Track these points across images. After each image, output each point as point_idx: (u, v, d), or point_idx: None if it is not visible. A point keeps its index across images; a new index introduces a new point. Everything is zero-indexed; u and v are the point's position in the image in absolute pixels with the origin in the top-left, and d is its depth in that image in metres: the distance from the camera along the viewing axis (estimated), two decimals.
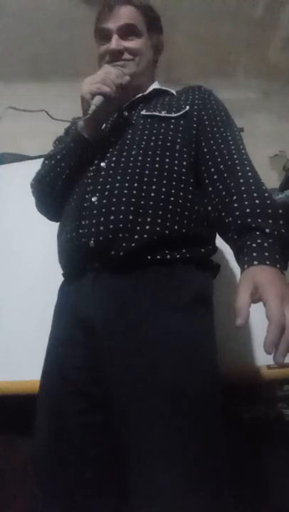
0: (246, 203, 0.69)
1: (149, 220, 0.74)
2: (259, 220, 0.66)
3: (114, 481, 0.66)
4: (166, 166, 0.80)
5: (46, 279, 1.18)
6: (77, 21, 1.88)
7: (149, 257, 0.73)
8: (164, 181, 0.78)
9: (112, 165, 0.82)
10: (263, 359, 1.03)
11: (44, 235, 1.28)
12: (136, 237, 0.73)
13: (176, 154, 0.83)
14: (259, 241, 0.64)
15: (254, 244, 0.64)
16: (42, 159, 0.98)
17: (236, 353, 1.02)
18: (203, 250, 0.79)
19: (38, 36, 1.99)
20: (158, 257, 0.73)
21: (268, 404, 1.13)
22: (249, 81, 2.25)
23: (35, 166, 0.98)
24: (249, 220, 0.67)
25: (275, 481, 1.02)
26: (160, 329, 0.67)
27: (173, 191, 0.78)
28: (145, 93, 0.96)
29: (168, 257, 0.73)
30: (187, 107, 0.90)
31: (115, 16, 0.93)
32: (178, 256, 0.74)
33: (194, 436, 0.60)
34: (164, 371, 0.63)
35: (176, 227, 0.75)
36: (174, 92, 0.97)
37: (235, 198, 0.71)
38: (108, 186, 0.78)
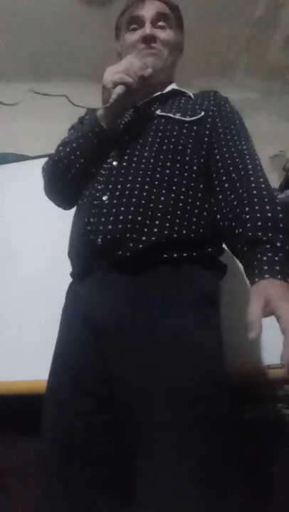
0: (258, 215, 0.69)
1: (157, 222, 0.74)
2: (270, 234, 0.66)
3: (119, 481, 0.66)
4: (177, 172, 0.80)
5: (47, 279, 1.18)
6: (77, 21, 1.88)
7: (156, 257, 0.73)
8: (174, 187, 0.78)
9: (124, 164, 0.82)
10: (263, 359, 1.03)
11: (44, 234, 1.28)
12: (143, 238, 0.73)
13: (187, 159, 0.83)
14: (270, 254, 0.64)
15: (264, 258, 0.64)
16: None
17: (236, 354, 1.02)
18: (210, 250, 0.79)
19: (39, 36, 1.99)
20: (165, 255, 0.73)
21: (268, 404, 1.12)
22: (249, 81, 2.25)
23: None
24: (260, 233, 0.67)
25: (275, 480, 1.02)
26: (166, 329, 0.67)
27: (182, 197, 0.78)
28: (164, 92, 0.96)
29: (175, 255, 0.73)
30: (202, 113, 0.89)
31: (147, 7, 0.95)
32: (185, 255, 0.74)
33: (200, 436, 0.60)
34: (170, 371, 0.63)
35: (184, 231, 0.75)
36: (192, 95, 0.96)
37: (247, 209, 0.71)
38: (119, 186, 0.79)
